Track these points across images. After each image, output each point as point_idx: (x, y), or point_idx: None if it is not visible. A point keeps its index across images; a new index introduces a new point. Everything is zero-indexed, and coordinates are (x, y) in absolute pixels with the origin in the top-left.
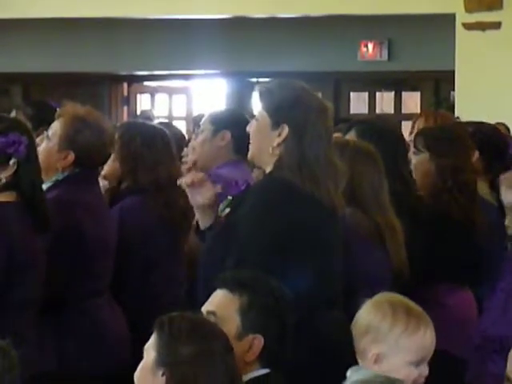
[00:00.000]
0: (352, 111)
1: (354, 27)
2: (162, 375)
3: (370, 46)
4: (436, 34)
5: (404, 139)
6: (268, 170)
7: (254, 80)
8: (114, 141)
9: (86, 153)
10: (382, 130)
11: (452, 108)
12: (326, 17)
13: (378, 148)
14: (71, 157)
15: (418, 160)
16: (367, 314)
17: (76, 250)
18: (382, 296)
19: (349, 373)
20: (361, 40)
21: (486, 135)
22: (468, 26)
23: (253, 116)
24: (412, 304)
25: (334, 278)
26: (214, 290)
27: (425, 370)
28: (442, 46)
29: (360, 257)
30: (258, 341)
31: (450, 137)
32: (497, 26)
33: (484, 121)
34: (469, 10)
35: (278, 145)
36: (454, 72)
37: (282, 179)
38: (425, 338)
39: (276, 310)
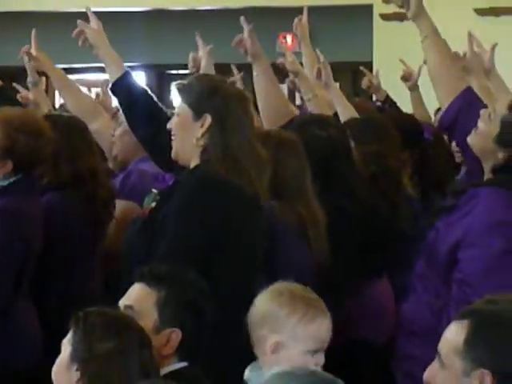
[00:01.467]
0: None
1: (272, 19)
2: (76, 370)
3: (289, 37)
4: (354, 25)
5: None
6: (193, 163)
7: (174, 72)
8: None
9: (24, 159)
10: None
11: (370, 98)
12: (245, 9)
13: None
14: (9, 165)
15: None
16: (265, 303)
17: (16, 260)
18: (281, 285)
19: (247, 373)
20: (280, 32)
21: (402, 123)
22: (385, 17)
23: (172, 108)
24: (310, 293)
25: (256, 271)
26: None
27: (321, 359)
28: (360, 37)
29: (284, 249)
30: (176, 334)
31: (373, 124)
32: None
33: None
34: (386, 0)
35: (203, 135)
36: (372, 63)
37: (208, 173)
38: (322, 328)
39: (193, 304)
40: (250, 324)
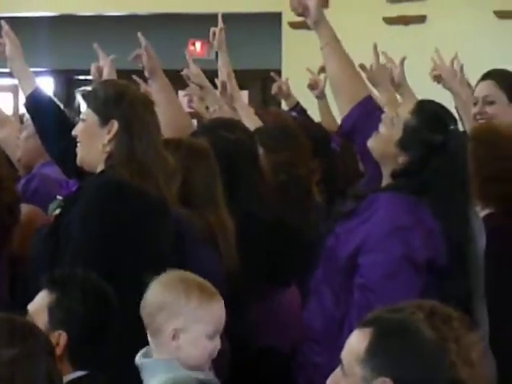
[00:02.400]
0: None
1: (181, 26)
2: None
3: (198, 44)
4: (263, 33)
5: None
6: (99, 169)
7: (82, 78)
8: None
9: None
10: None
11: (279, 106)
12: (154, 15)
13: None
14: None
15: None
16: (159, 292)
17: None
18: (170, 274)
19: (138, 358)
20: (189, 38)
21: (311, 131)
22: (294, 25)
23: (79, 114)
24: (200, 279)
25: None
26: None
27: (218, 342)
28: (269, 45)
29: (193, 256)
30: (63, 337)
31: (284, 133)
32: (421, 19)
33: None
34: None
35: (109, 141)
36: (280, 71)
37: (111, 177)
38: (218, 311)
39: (82, 309)
40: (146, 316)
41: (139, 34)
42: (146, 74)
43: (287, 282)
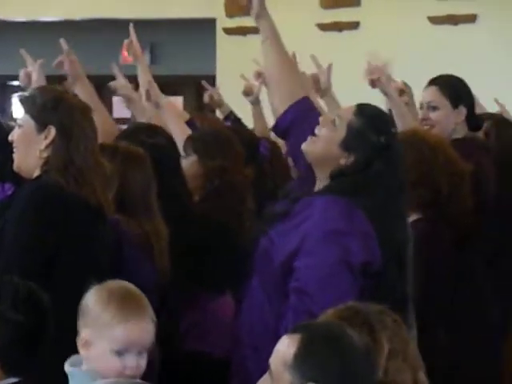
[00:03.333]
0: (115, 115)
1: (116, 31)
2: None
3: None
4: (198, 39)
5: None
6: (35, 174)
7: (16, 84)
8: None
9: None
10: None
11: (214, 112)
12: (89, 20)
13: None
14: None
15: (186, 163)
16: (88, 297)
17: None
18: (113, 282)
19: (67, 367)
20: (123, 44)
21: (244, 138)
22: (228, 31)
23: (14, 120)
24: (137, 295)
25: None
26: None
27: (131, 361)
28: (203, 51)
29: (129, 263)
30: None
31: (218, 139)
32: (257, 30)
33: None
34: (229, 14)
35: (46, 147)
36: (215, 76)
37: (49, 183)
38: (132, 330)
39: (15, 316)
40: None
41: (61, 40)
42: (69, 79)
43: (221, 288)
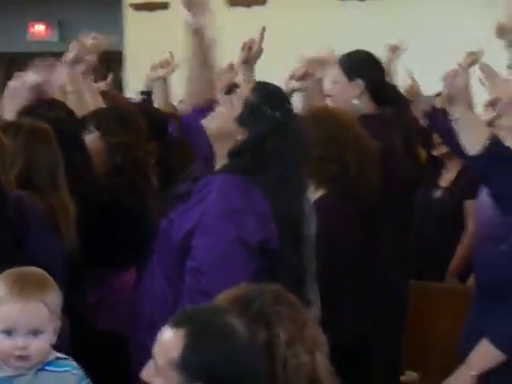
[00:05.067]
0: None
1: (23, 8)
2: None
3: (41, 26)
4: (106, 15)
5: None
6: None
7: None
8: None
9: None
10: None
11: (121, 90)
12: None
13: None
14: None
15: (89, 140)
16: None
17: None
18: (21, 268)
19: None
20: (30, 21)
21: (149, 114)
22: (135, 7)
23: None
24: (33, 277)
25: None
26: None
27: (20, 342)
28: (111, 27)
29: (34, 238)
30: None
31: (120, 115)
32: (164, 6)
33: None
34: None
35: None
36: (122, 52)
37: None
38: (16, 310)
39: None
40: None
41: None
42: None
43: (125, 265)
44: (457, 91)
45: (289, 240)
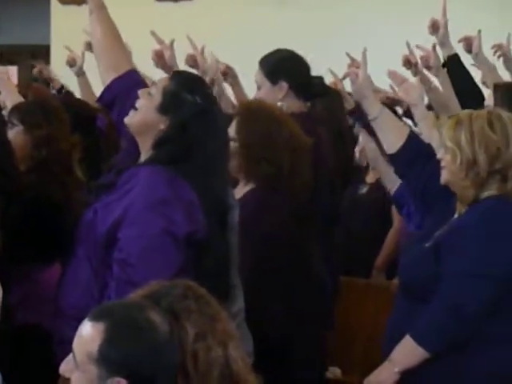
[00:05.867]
0: None
1: None
2: None
3: None
4: (32, 8)
5: None
6: None
7: None
8: None
9: None
10: None
11: (48, 85)
12: None
13: None
14: None
15: (13, 134)
16: None
17: None
18: None
19: None
20: None
21: (74, 107)
22: (63, 1)
23: None
24: None
25: None
26: None
27: None
28: (38, 20)
29: None
30: None
31: (43, 108)
32: None
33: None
34: None
35: None
36: (49, 46)
37: None
38: None
39: None
40: None
41: None
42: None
43: (50, 260)
44: (360, 88)
45: (215, 228)
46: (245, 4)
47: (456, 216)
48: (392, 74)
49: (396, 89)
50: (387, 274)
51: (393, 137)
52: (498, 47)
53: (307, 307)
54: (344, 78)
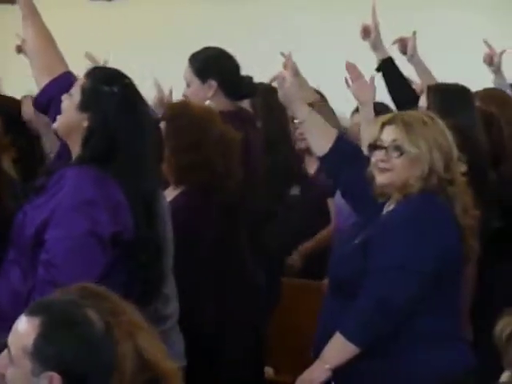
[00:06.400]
0: None
1: None
2: None
3: None
4: None
5: None
6: None
7: None
8: None
9: None
10: None
11: None
12: None
13: None
14: None
15: None
16: None
17: None
18: None
19: None
20: None
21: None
22: None
23: None
24: None
25: None
26: None
27: None
28: None
29: None
30: None
31: None
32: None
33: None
34: None
35: None
36: None
37: None
38: None
39: None
40: None
41: None
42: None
43: None
44: (287, 92)
45: (144, 226)
46: (178, 3)
47: (384, 212)
48: (350, 68)
49: (350, 82)
50: (318, 274)
51: (321, 139)
52: (489, 59)
53: (240, 307)
54: (272, 80)
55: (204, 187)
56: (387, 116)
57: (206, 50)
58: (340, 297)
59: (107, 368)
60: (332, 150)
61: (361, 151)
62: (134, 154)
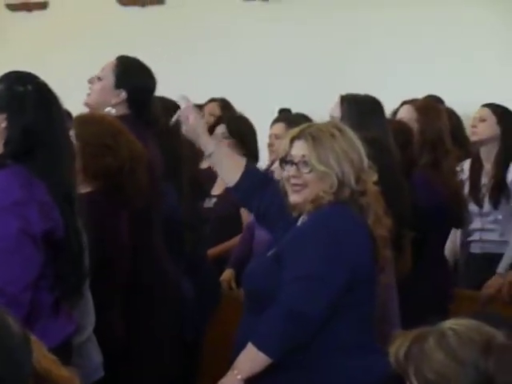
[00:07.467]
0: None
1: None
2: None
3: None
4: None
5: None
6: None
7: None
8: None
9: None
10: None
11: None
12: None
13: None
14: None
15: None
16: None
17: None
18: None
19: None
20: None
21: None
22: (13, 7)
23: None
24: None
25: None
26: None
27: None
28: None
29: None
30: None
31: None
32: (43, 6)
33: None
34: None
35: None
36: None
37: None
38: None
39: None
40: None
41: None
42: None
43: None
44: (192, 128)
45: (69, 215)
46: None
47: (298, 224)
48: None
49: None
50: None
51: (230, 170)
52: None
53: (152, 315)
54: (176, 118)
55: (110, 190)
56: (296, 130)
57: (126, 58)
58: (257, 311)
59: (24, 377)
60: (242, 178)
61: (270, 175)
62: (53, 151)
